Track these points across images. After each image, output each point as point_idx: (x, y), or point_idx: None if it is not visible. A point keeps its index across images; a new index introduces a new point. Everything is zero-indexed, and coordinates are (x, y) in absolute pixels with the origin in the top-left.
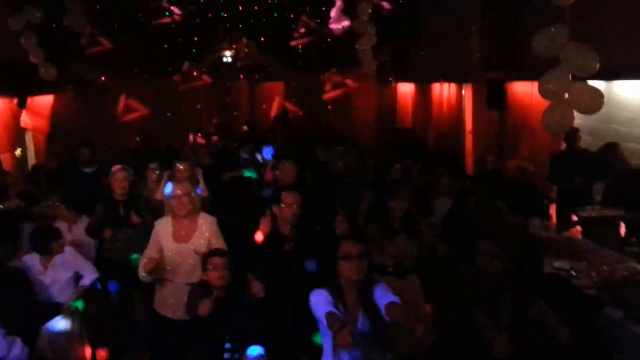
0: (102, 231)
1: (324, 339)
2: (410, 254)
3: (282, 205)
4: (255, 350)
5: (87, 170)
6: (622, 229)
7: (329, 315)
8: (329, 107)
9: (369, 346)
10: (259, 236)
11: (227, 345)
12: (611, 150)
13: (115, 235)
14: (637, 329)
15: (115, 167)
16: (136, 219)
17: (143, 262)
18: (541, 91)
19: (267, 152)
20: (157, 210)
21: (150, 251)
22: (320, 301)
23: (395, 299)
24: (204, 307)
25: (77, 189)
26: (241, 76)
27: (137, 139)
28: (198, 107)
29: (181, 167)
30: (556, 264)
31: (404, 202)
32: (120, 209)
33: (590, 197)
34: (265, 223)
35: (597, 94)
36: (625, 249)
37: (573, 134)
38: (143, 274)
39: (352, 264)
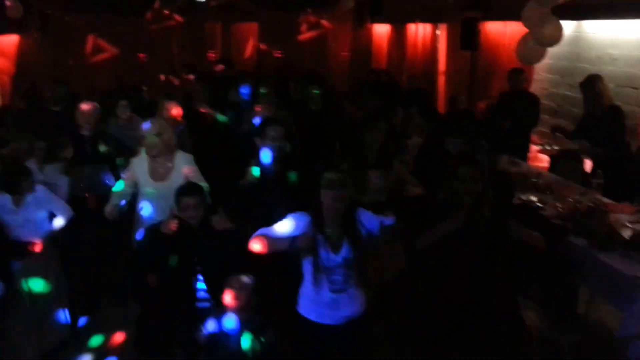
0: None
1: (304, 265)
2: (385, 190)
3: (266, 138)
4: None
5: (56, 108)
6: (588, 164)
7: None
8: (304, 48)
9: (350, 272)
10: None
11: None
12: (592, 82)
13: (81, 172)
14: (599, 256)
15: (81, 103)
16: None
17: (112, 199)
18: (524, 20)
19: (245, 91)
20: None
21: (123, 186)
22: (293, 222)
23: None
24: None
25: (46, 127)
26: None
27: None
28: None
29: (171, 106)
30: (524, 196)
31: (380, 135)
32: (87, 145)
33: (526, 144)
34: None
35: (558, 27)
36: (592, 181)
37: (517, 74)
38: (109, 211)
39: (333, 193)
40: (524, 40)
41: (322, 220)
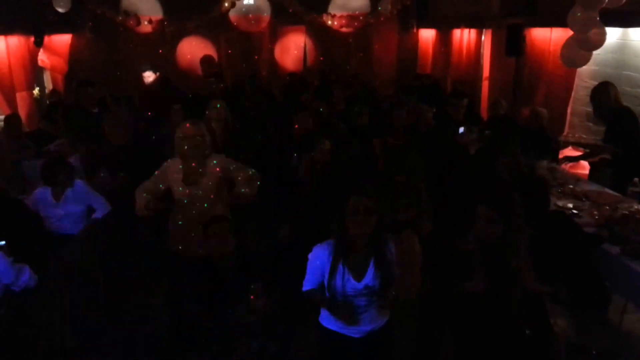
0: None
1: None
2: (408, 212)
3: (316, 152)
4: None
5: (94, 110)
6: None
7: (307, 293)
8: (350, 52)
9: (372, 298)
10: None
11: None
12: (603, 89)
13: (115, 177)
14: (632, 264)
15: (112, 114)
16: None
17: (140, 197)
18: (570, 23)
19: None
20: None
21: (151, 185)
22: (312, 262)
23: None
24: None
25: (85, 128)
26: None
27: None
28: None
29: (219, 105)
30: (560, 202)
31: (413, 160)
32: (121, 155)
33: None
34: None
35: (601, 31)
36: (628, 189)
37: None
38: (139, 208)
39: (358, 220)
40: (569, 43)
41: (346, 248)
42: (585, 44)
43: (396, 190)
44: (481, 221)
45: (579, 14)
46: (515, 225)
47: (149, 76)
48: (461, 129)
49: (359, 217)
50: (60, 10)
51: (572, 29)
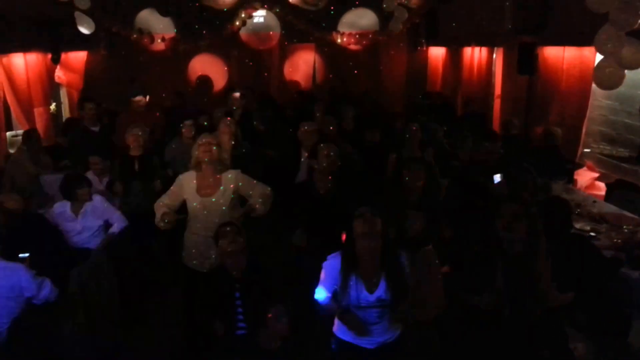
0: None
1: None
2: (424, 229)
3: (320, 158)
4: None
5: (94, 128)
6: None
7: (320, 301)
8: (359, 69)
9: (384, 310)
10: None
11: (239, 310)
12: None
13: (129, 189)
14: None
15: (130, 125)
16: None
17: (158, 209)
18: (597, 47)
19: None
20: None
21: (167, 198)
22: (326, 271)
23: None
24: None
25: (84, 147)
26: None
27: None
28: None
29: (229, 120)
30: (578, 225)
31: (421, 175)
32: (135, 165)
33: None
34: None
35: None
36: None
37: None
38: (159, 222)
39: (360, 242)
40: (601, 65)
41: (356, 260)
42: (623, 63)
43: (407, 203)
44: (506, 217)
45: (608, 34)
46: (535, 231)
47: (139, 100)
48: (497, 178)
49: (365, 239)
50: (85, 31)
51: (599, 51)
